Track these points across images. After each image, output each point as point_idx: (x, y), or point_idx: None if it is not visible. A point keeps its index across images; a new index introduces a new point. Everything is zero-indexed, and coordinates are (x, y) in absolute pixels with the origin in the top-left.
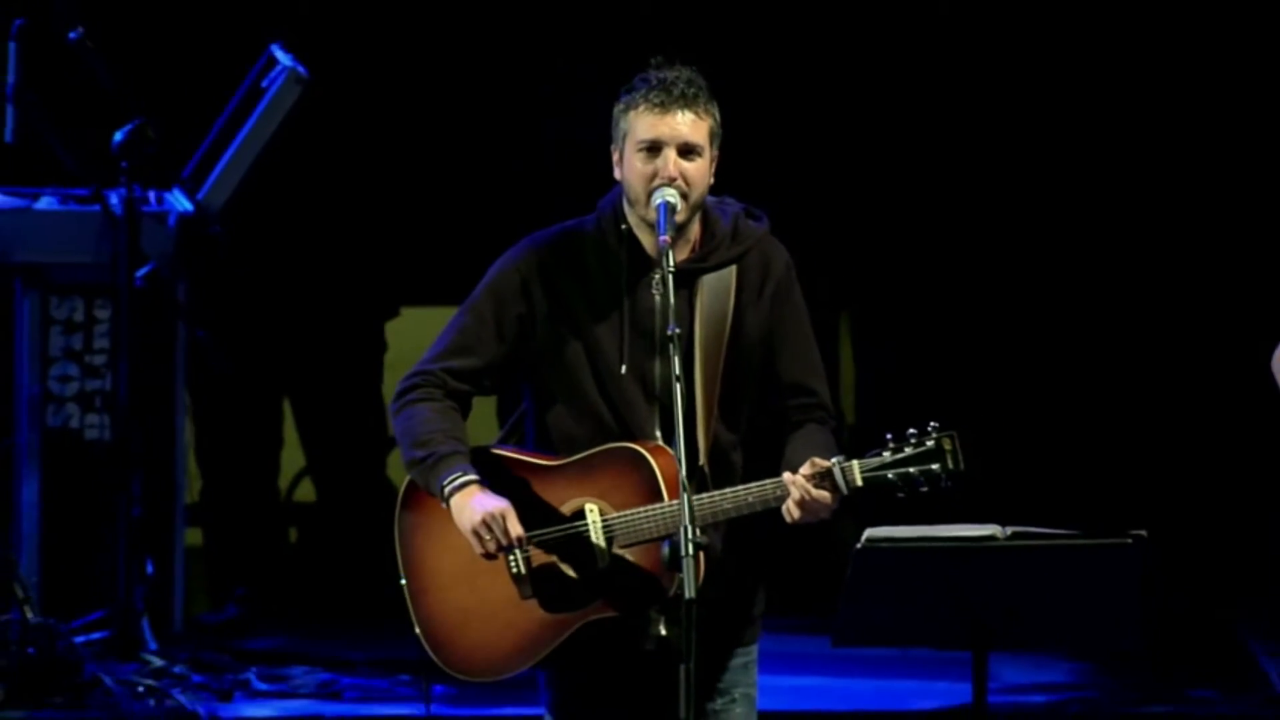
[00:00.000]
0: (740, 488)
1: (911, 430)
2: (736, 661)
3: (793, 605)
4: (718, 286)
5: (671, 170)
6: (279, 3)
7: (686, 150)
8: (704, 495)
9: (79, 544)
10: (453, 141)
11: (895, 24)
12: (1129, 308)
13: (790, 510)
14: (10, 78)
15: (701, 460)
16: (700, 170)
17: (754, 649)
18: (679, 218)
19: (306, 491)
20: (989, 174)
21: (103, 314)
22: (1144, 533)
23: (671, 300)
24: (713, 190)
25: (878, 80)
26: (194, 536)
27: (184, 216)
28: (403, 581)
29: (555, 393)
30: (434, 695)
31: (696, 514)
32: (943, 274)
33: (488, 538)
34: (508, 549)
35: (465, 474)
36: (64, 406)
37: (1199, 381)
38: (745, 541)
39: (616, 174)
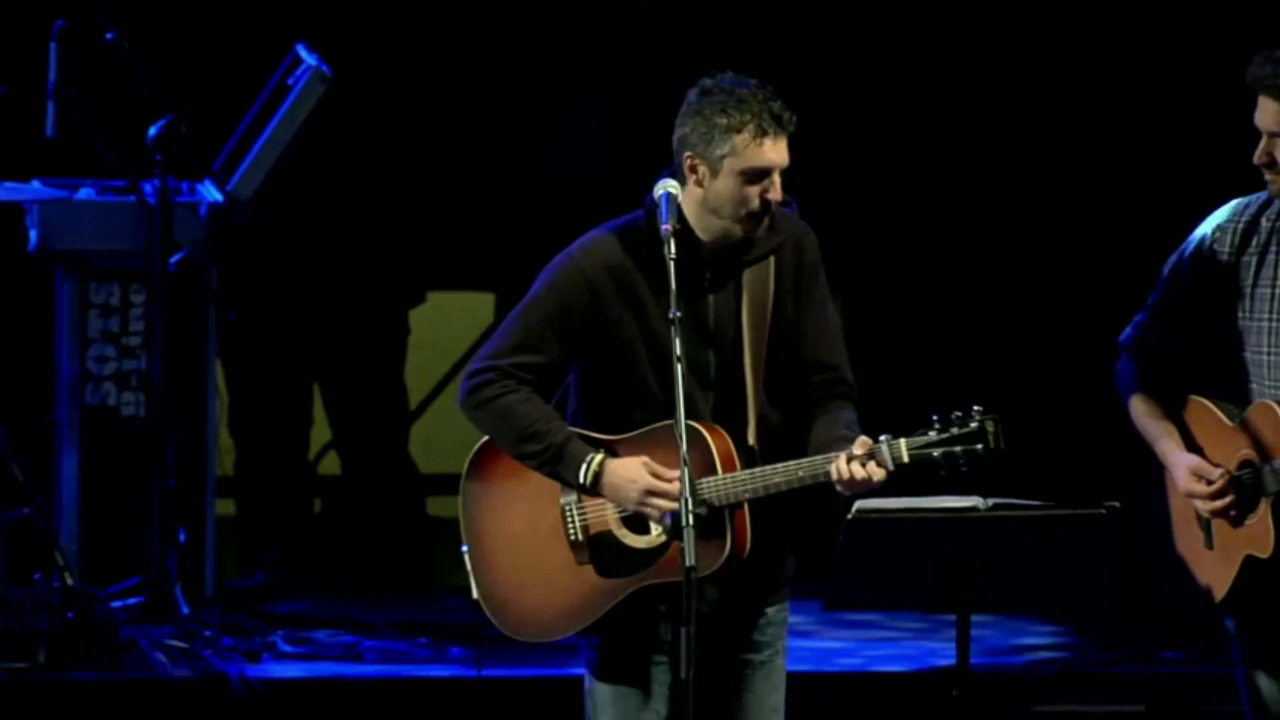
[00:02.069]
0: (791, 463)
1: (957, 412)
2: (777, 616)
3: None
4: (759, 277)
5: (777, 195)
6: (305, 4)
7: (783, 172)
8: (756, 470)
9: (116, 514)
10: (474, 130)
11: (897, 21)
12: (1109, 292)
13: (841, 486)
14: (51, 76)
15: (751, 440)
16: (778, 183)
17: (787, 607)
18: (761, 232)
19: (331, 465)
20: (970, 165)
21: (138, 298)
22: (1117, 504)
23: (673, 285)
24: None
25: (873, 74)
26: (225, 507)
27: (214, 206)
28: (464, 548)
29: (613, 375)
30: (452, 657)
31: (748, 487)
32: (925, 261)
33: (654, 506)
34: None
35: (592, 457)
36: (101, 385)
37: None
38: (781, 507)
39: (693, 181)
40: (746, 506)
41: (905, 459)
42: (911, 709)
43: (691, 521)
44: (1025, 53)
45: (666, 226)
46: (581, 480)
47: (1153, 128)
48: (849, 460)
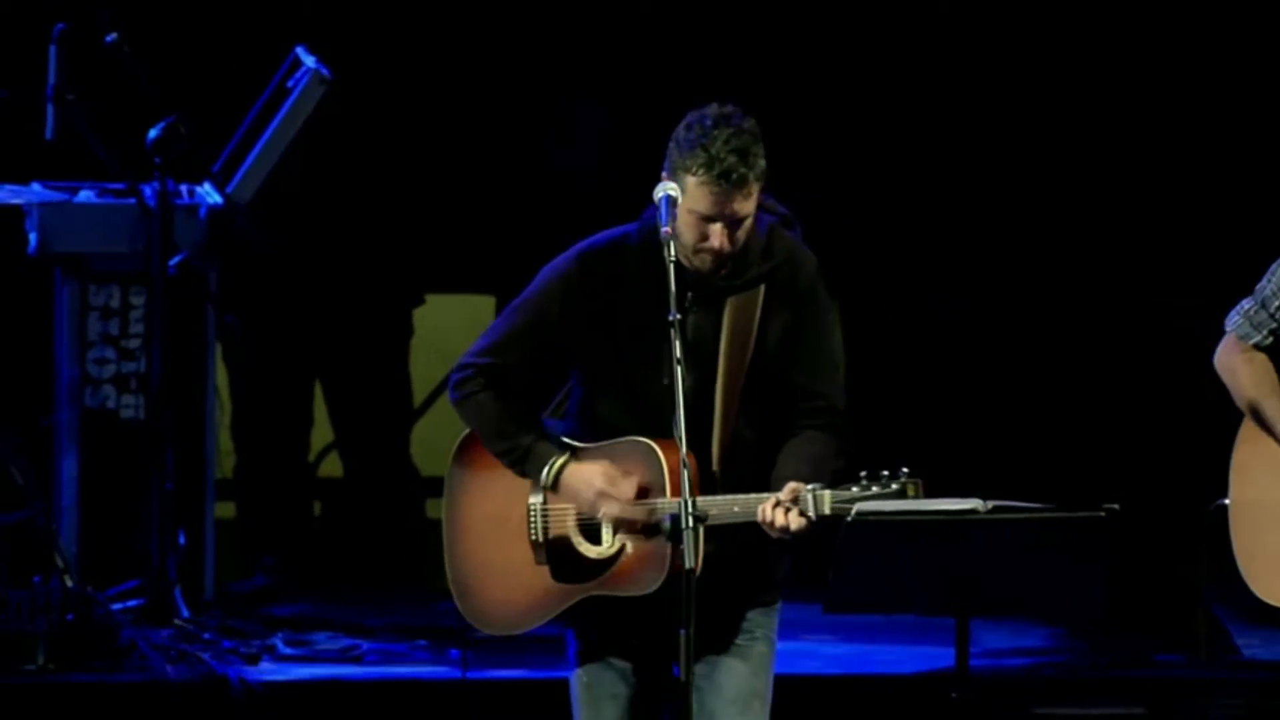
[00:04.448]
0: (729, 497)
1: (885, 471)
2: (758, 609)
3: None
4: (745, 302)
5: (722, 244)
6: (304, 6)
7: (737, 222)
8: (701, 498)
9: (115, 517)
10: (474, 132)
11: (903, 17)
12: (1107, 292)
13: (765, 529)
14: (51, 79)
15: (714, 465)
16: (747, 228)
17: (776, 605)
18: (724, 271)
19: (331, 467)
20: (967, 166)
21: (137, 301)
22: (1115, 506)
23: (672, 287)
24: None
25: (872, 73)
26: (224, 510)
27: (214, 209)
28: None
29: (594, 387)
30: (453, 659)
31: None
32: (922, 260)
33: (605, 510)
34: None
35: (555, 459)
36: (101, 388)
37: (1167, 357)
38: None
39: (661, 200)
40: (700, 530)
41: (826, 511)
42: (911, 712)
43: (691, 524)
44: (1028, 46)
45: (666, 229)
46: (544, 480)
47: (1152, 122)
48: (774, 505)
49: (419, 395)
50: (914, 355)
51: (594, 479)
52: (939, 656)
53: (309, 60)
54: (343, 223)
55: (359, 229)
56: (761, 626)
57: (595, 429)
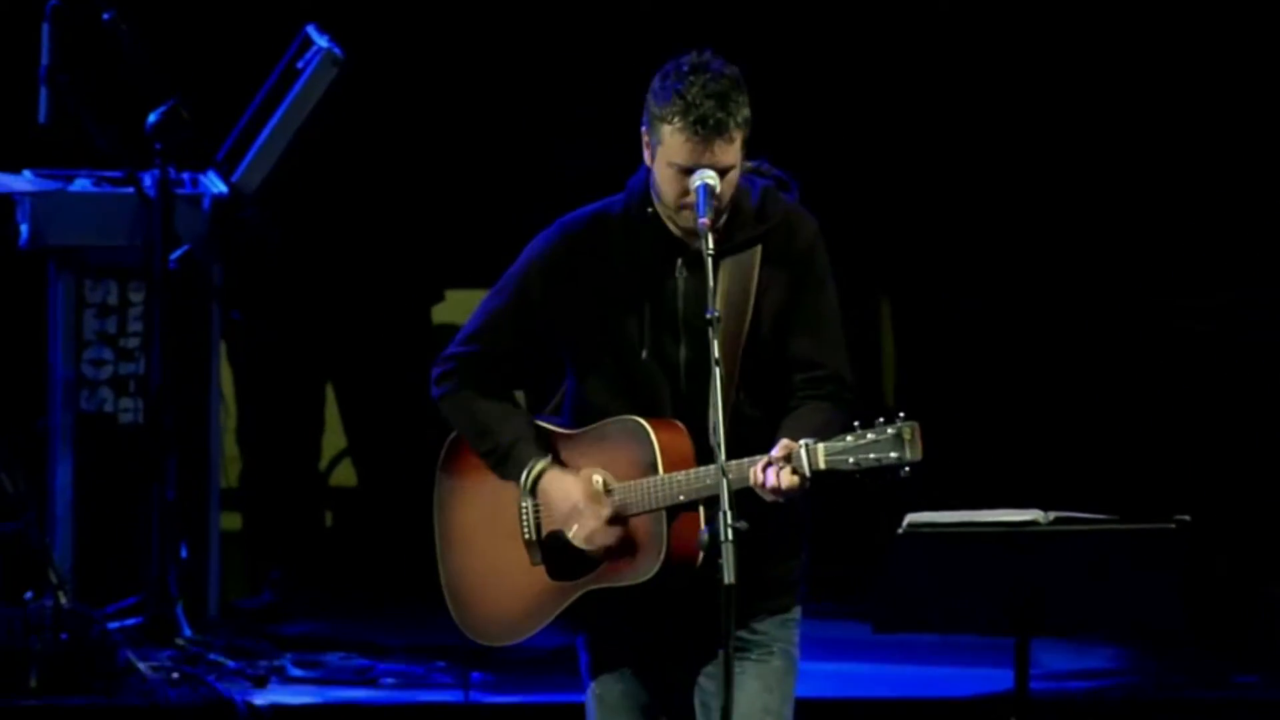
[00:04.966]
0: (720, 464)
1: (880, 419)
2: (773, 620)
3: (833, 591)
4: (740, 267)
5: (700, 229)
6: None
7: (719, 171)
8: (691, 471)
9: (112, 529)
10: (497, 120)
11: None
12: (1175, 290)
13: (760, 492)
14: (44, 59)
15: (714, 439)
16: (731, 181)
17: (794, 612)
18: (747, 218)
19: (344, 475)
20: (1029, 157)
21: (136, 297)
22: (1187, 517)
23: (711, 282)
24: (748, 151)
25: (912, 60)
26: (230, 521)
27: (218, 199)
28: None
29: (582, 369)
30: (472, 683)
31: (683, 489)
32: (983, 256)
33: (576, 530)
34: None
35: (534, 463)
36: (98, 390)
37: (1240, 363)
38: (775, 508)
39: (646, 158)
40: (701, 510)
41: (821, 465)
42: None
43: (730, 536)
44: (1028, 51)
45: (704, 221)
46: (523, 484)
47: (1195, 124)
48: (765, 465)
49: None
50: (956, 358)
51: (572, 493)
52: (997, 679)
53: (320, 40)
54: (356, 213)
55: (374, 219)
56: (778, 640)
57: (586, 414)
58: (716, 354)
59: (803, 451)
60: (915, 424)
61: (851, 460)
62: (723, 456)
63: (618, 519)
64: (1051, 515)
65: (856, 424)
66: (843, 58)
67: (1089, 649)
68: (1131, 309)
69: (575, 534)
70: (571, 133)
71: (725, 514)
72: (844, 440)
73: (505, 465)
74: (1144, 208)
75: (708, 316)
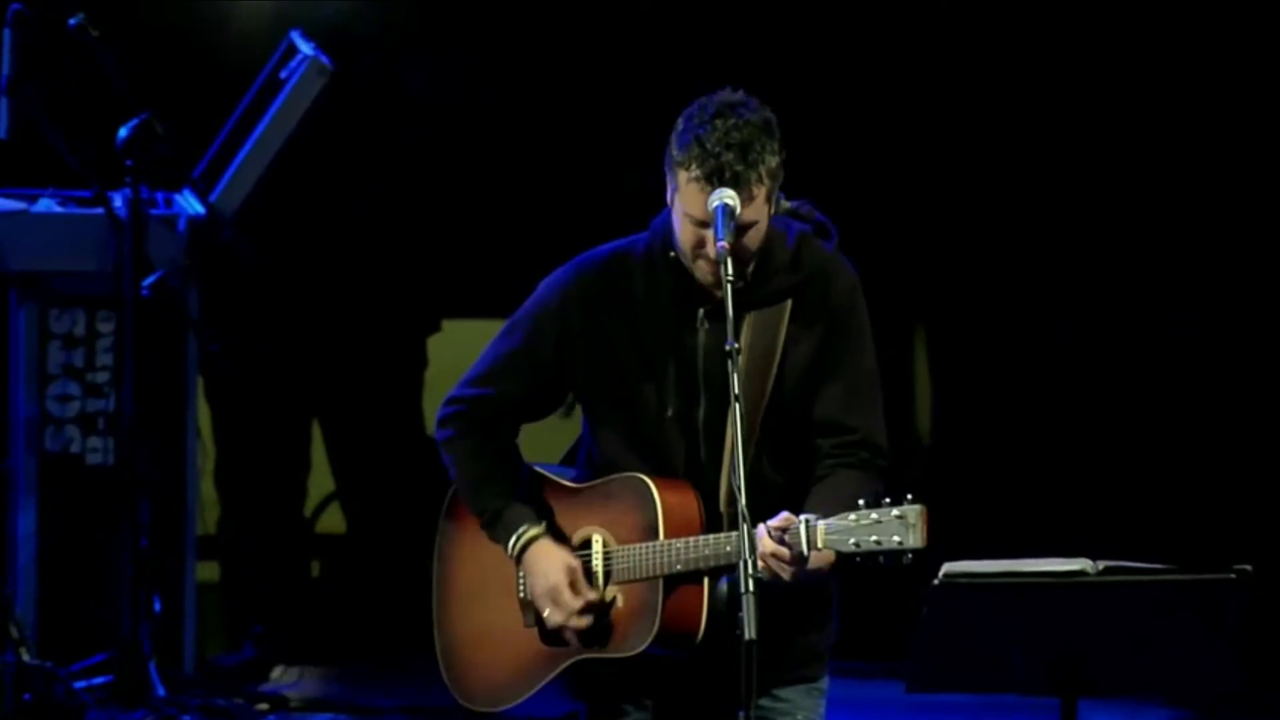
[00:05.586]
0: (722, 536)
1: (887, 498)
2: (798, 688)
3: (863, 647)
4: (767, 320)
5: (718, 253)
6: None
7: (739, 228)
8: (691, 539)
9: (80, 579)
10: (498, 142)
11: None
12: (1226, 328)
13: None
14: (4, 69)
15: (723, 506)
16: (756, 236)
17: (822, 682)
18: (780, 269)
19: (332, 521)
20: (1073, 179)
21: (106, 327)
22: (1248, 567)
23: (730, 313)
24: (786, 188)
25: (951, 74)
26: (208, 571)
27: (195, 220)
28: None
29: (595, 420)
30: None
31: (681, 559)
32: (1025, 283)
33: (550, 611)
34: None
35: (523, 532)
36: (64, 429)
37: None
38: (810, 582)
39: (668, 198)
40: (705, 581)
41: (820, 544)
42: None
43: (752, 588)
44: (1030, 51)
45: (723, 244)
46: (509, 551)
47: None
48: (763, 535)
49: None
50: (998, 390)
51: (551, 573)
52: None
53: (306, 47)
54: (346, 235)
55: (365, 243)
56: (803, 709)
57: (597, 467)
58: (736, 389)
59: (802, 527)
60: (922, 508)
61: (852, 541)
62: (743, 500)
63: (601, 605)
64: (1101, 564)
65: (861, 502)
66: (876, 74)
67: (1140, 711)
68: (1195, 340)
69: (549, 618)
70: (576, 158)
71: (745, 563)
72: (846, 519)
73: (494, 529)
74: (1210, 233)
75: (726, 349)
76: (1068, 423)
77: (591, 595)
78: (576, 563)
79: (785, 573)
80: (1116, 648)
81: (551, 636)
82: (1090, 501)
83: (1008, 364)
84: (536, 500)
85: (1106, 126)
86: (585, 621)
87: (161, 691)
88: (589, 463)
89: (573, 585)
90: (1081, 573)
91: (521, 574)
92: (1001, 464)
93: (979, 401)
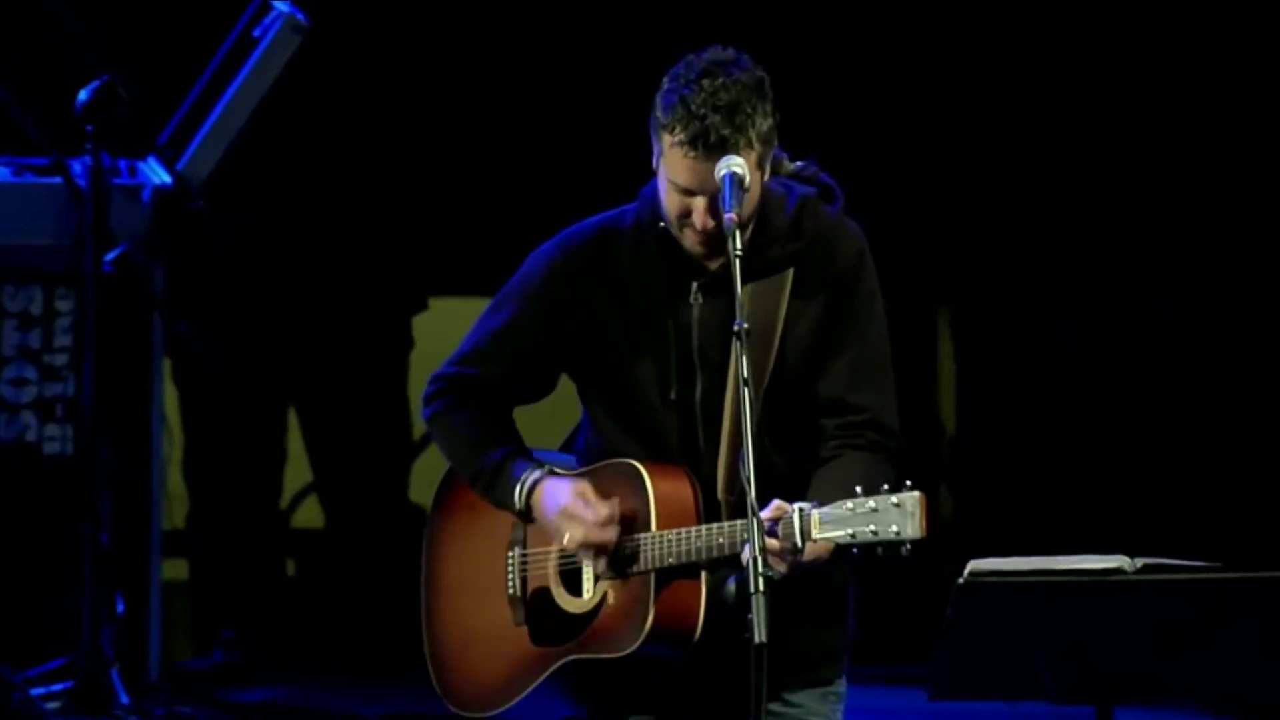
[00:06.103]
0: (716, 526)
1: (885, 485)
2: (811, 692)
3: (883, 652)
4: (766, 292)
5: (704, 223)
6: None
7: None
8: (682, 529)
9: (37, 578)
10: (485, 115)
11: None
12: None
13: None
14: None
15: (721, 494)
16: (748, 203)
17: (838, 685)
18: (779, 235)
19: (310, 515)
20: (1102, 156)
21: (65, 305)
22: None
23: (737, 287)
24: (792, 148)
25: (974, 61)
26: (174, 569)
27: (160, 190)
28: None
29: (588, 401)
30: None
31: (673, 551)
32: (1055, 262)
33: (569, 530)
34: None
35: (528, 475)
36: (18, 415)
37: None
38: (809, 572)
39: (654, 164)
40: (703, 575)
41: (814, 535)
42: None
43: (762, 586)
44: (1032, 51)
45: (731, 216)
46: (517, 501)
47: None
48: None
49: (420, 422)
50: (1027, 377)
51: (560, 495)
52: None
53: (280, 3)
54: (324, 206)
55: (345, 214)
56: (816, 714)
57: (593, 452)
58: (746, 373)
59: (795, 517)
60: (920, 495)
61: (848, 531)
62: (753, 492)
63: (624, 529)
64: (1139, 562)
65: (859, 489)
66: (896, 50)
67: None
68: (1249, 328)
69: (569, 541)
70: (560, 132)
71: (756, 560)
72: (843, 507)
73: (496, 485)
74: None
75: (734, 329)
76: (1103, 409)
77: (608, 508)
78: (586, 484)
79: (779, 565)
80: (1156, 652)
81: (542, 636)
82: (1126, 495)
83: (1037, 348)
84: (535, 460)
85: (1155, 106)
86: (609, 536)
87: (125, 699)
88: (586, 448)
89: (584, 498)
90: (1118, 570)
91: (522, 554)
92: (1031, 453)
93: (1006, 387)
